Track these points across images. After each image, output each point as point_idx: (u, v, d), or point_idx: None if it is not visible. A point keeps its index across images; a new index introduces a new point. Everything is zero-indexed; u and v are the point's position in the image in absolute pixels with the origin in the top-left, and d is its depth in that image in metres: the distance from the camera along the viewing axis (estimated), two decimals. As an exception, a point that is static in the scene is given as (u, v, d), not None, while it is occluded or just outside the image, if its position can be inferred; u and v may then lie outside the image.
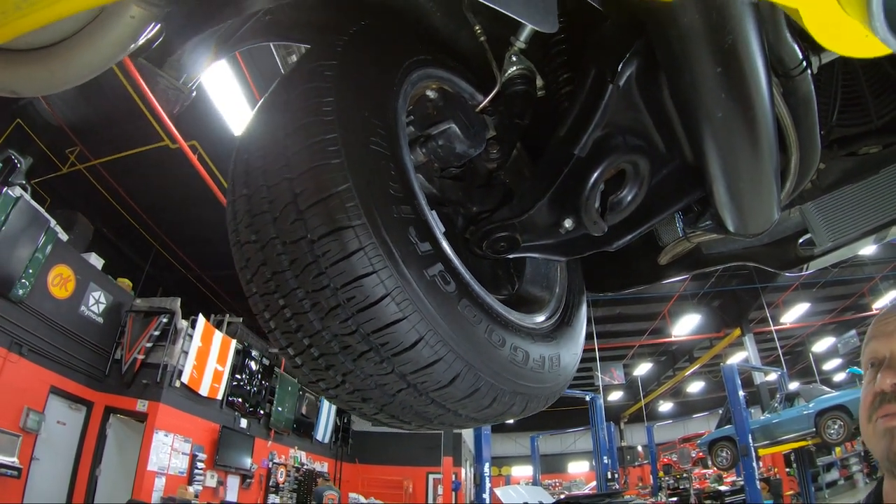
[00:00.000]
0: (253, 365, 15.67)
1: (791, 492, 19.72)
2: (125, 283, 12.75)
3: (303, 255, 1.16)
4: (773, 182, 1.50)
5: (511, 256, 1.76)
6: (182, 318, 12.46)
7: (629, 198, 1.68)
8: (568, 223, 1.66)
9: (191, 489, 11.74)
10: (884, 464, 1.10)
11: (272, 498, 16.17)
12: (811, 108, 1.51)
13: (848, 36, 0.58)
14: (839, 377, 29.00)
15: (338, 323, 1.18)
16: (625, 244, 1.78)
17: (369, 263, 1.14)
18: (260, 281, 1.26)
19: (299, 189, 1.16)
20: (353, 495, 20.06)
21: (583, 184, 1.61)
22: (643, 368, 30.90)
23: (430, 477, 23.97)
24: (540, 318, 1.82)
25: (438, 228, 1.37)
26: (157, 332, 11.90)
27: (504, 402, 1.44)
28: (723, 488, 21.35)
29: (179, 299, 12.53)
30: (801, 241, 2.30)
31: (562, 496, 18.86)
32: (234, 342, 14.46)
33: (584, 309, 2.14)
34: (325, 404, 20.67)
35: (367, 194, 1.18)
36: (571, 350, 1.85)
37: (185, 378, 12.27)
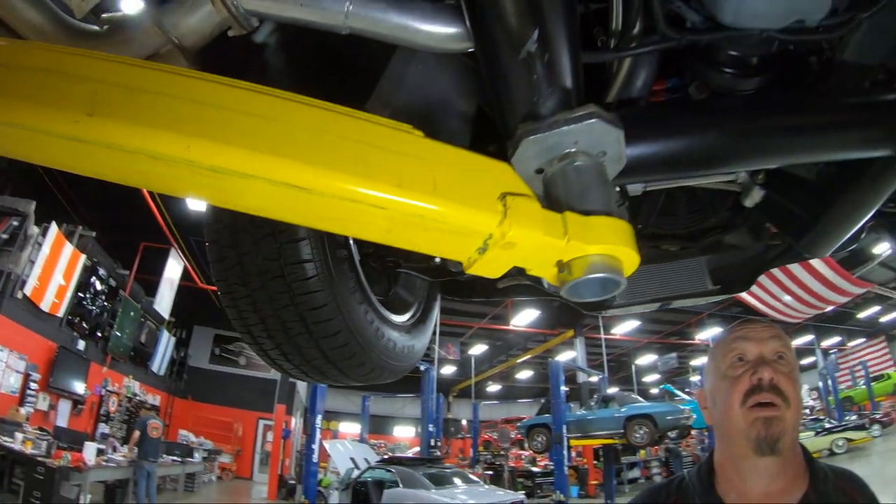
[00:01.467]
0: (98, 284, 14.83)
1: (595, 482, 21.62)
2: (-26, 177, 11.68)
3: (274, 272, 1.72)
4: (614, 203, 2.14)
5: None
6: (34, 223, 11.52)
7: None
8: (437, 260, 2.25)
9: (22, 411, 11.11)
10: (749, 443, 1.29)
11: (102, 427, 15.42)
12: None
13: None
14: (655, 391, 32.06)
15: (289, 314, 1.77)
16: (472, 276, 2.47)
17: (320, 284, 1.73)
18: (234, 279, 1.80)
19: (283, 247, 1.71)
20: (183, 432, 19.80)
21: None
22: (479, 349, 32.02)
23: (261, 422, 24.01)
24: (405, 318, 2.51)
25: (356, 258, 2.00)
26: (5, 236, 10.96)
27: (377, 372, 2.13)
28: (535, 469, 23.06)
29: (34, 202, 11.53)
30: None
31: (386, 456, 19.50)
32: (83, 257, 13.53)
33: (435, 311, 2.86)
34: (165, 334, 20.18)
35: (326, 248, 1.78)
36: (422, 341, 2.58)
37: (27, 289, 11.45)
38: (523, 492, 15.58)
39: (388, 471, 13.80)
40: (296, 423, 23.43)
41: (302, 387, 24.97)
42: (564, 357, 26.09)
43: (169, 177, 0.87)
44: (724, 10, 1.21)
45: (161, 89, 0.81)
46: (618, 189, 1.81)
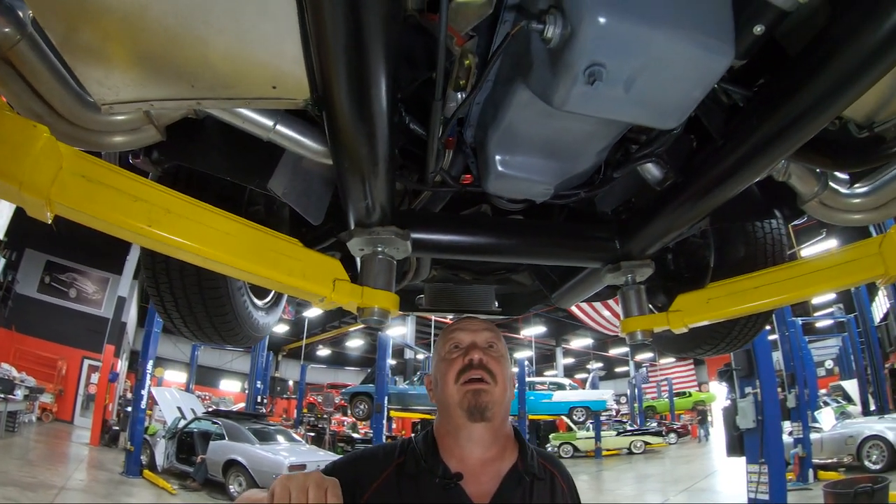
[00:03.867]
0: (-57, 196, 13.81)
1: (411, 453, 22.91)
2: None
3: (191, 270, 2.45)
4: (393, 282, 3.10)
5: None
6: None
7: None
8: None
9: None
10: (463, 412, 1.53)
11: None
12: (427, 260, 3.06)
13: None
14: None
15: (196, 299, 2.54)
16: None
17: (220, 282, 2.51)
18: (160, 271, 2.52)
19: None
20: (4, 366, 18.48)
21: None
22: (313, 312, 31.82)
23: (86, 362, 23.15)
24: (265, 301, 3.32)
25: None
26: None
27: (245, 340, 2.96)
28: (356, 435, 23.69)
29: None
30: (418, 297, 3.70)
31: (210, 409, 19.73)
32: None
33: (285, 296, 3.67)
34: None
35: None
36: (275, 318, 3.39)
37: None
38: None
39: (215, 423, 14.16)
40: (122, 365, 22.56)
41: (131, 328, 23.95)
42: (395, 332, 26.69)
43: (187, 257, 1.74)
44: (485, 185, 2.07)
45: (182, 213, 1.61)
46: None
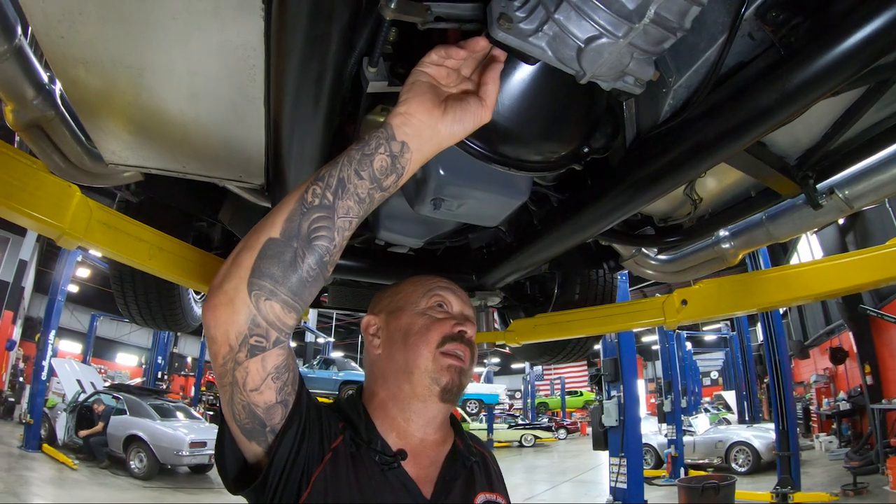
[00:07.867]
0: None
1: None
2: None
3: (154, 294, 3.21)
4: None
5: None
6: None
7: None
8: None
9: None
10: (436, 386, 1.28)
11: None
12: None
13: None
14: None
15: (154, 296, 3.22)
16: None
17: (180, 298, 3.28)
18: (131, 295, 3.21)
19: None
20: None
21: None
22: None
23: None
24: (200, 295, 4.04)
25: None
26: None
27: (184, 327, 3.67)
28: None
29: None
30: (322, 295, 4.36)
31: (106, 383, 19.15)
32: None
33: None
34: None
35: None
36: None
37: None
38: (239, 435, 16.21)
39: (116, 398, 14.14)
40: (17, 333, 20.99)
41: (27, 293, 22.53)
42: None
43: (171, 279, 2.46)
44: (376, 233, 2.65)
45: (170, 249, 2.35)
46: None
